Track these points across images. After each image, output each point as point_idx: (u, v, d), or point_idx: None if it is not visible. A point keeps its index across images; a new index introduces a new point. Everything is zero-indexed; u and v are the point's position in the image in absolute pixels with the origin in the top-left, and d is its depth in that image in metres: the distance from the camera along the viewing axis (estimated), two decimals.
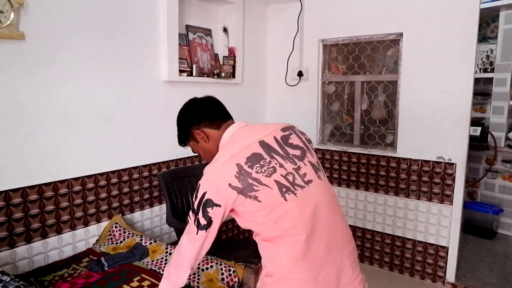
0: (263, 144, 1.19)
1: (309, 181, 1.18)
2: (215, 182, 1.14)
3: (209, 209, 1.15)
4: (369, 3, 2.85)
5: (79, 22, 2.01)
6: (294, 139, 1.26)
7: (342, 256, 1.17)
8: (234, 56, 2.99)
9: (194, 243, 1.20)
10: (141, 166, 2.40)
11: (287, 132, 1.27)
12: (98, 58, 2.12)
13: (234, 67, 2.99)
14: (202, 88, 2.76)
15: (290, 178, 1.15)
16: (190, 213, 1.21)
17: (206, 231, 1.18)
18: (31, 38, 1.82)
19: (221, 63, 3.00)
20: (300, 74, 3.21)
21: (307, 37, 3.20)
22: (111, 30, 2.16)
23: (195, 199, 1.18)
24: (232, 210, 1.18)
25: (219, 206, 1.14)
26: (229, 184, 1.12)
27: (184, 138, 1.42)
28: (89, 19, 2.05)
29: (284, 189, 1.13)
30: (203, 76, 2.76)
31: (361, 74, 3.09)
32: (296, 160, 1.20)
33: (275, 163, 1.15)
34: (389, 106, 3.03)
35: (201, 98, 1.44)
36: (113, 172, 2.24)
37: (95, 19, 2.08)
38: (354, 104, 3.15)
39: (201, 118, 1.36)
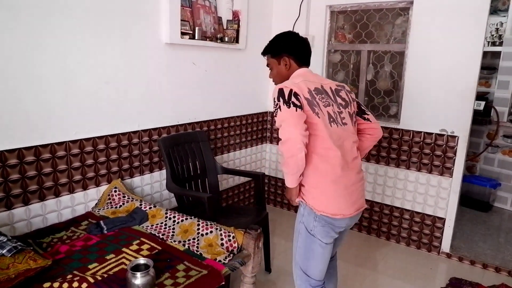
0: (323, 87, 1.63)
1: (345, 124, 1.62)
2: (295, 87, 1.52)
3: (297, 98, 1.50)
4: None
5: None
6: (342, 94, 1.69)
7: (355, 176, 1.63)
8: (238, 20, 2.89)
9: (296, 120, 1.46)
10: (141, 130, 2.36)
11: (340, 87, 1.71)
12: (96, 15, 2.02)
13: (238, 31, 2.90)
14: (204, 52, 2.69)
15: (334, 116, 1.58)
16: (280, 106, 1.49)
17: (302, 110, 1.49)
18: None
19: (225, 27, 2.90)
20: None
21: (314, 3, 3.08)
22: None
23: (281, 98, 1.49)
24: None
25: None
26: (303, 94, 1.52)
27: (271, 53, 1.76)
28: None
29: (331, 119, 1.57)
30: (206, 40, 2.67)
31: (368, 43, 3.00)
32: (341, 108, 1.63)
33: (328, 101, 1.59)
34: (394, 77, 2.96)
35: (302, 37, 1.77)
36: (112, 135, 2.19)
37: None
38: (360, 74, 3.08)
39: (295, 53, 1.72)
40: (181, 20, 2.43)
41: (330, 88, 1.66)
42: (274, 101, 1.54)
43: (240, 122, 3.21)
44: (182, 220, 1.91)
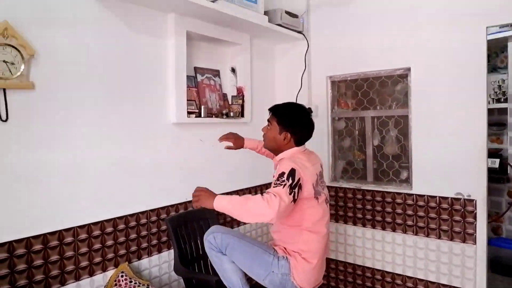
0: (319, 171, 1.96)
1: (327, 202, 1.96)
2: (306, 174, 1.76)
3: (299, 189, 1.73)
4: (375, 39, 2.85)
5: (89, 69, 2.04)
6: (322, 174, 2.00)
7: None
8: (243, 95, 3.00)
9: (284, 208, 1.61)
10: (149, 210, 2.35)
11: (320, 165, 2.01)
12: (107, 103, 2.12)
13: (242, 106, 2.99)
14: (210, 128, 2.76)
15: (325, 196, 1.95)
16: (281, 185, 1.67)
17: (293, 200, 1.67)
18: (41, 88, 1.84)
19: (230, 102, 3.00)
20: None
21: (315, 74, 3.20)
22: (119, 75, 2.19)
23: (291, 179, 1.68)
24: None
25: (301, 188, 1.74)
26: (313, 182, 1.81)
27: (278, 118, 1.93)
28: (98, 66, 2.08)
29: (326, 201, 1.92)
30: (212, 117, 2.76)
31: (371, 109, 3.05)
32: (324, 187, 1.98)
33: (323, 184, 1.96)
34: (401, 141, 2.96)
35: (311, 122, 2.02)
36: (120, 218, 2.19)
37: (104, 65, 2.11)
38: (366, 140, 3.09)
39: (299, 136, 1.94)
40: (187, 100, 2.54)
41: (321, 166, 1.99)
42: (282, 176, 1.69)
43: (250, 194, 3.19)
44: None
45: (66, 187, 1.95)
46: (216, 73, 2.94)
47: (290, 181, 1.66)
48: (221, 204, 1.65)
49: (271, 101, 3.36)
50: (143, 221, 2.31)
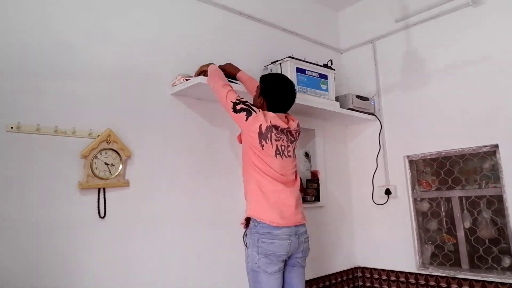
0: (282, 129, 1.98)
1: (289, 156, 2.02)
2: (260, 116, 1.92)
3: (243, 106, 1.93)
4: (454, 115, 2.76)
5: (177, 165, 2.21)
6: (295, 134, 2.08)
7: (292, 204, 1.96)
8: (318, 179, 2.99)
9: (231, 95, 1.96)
10: None
11: (297, 128, 2.10)
12: (192, 195, 2.25)
13: (318, 190, 2.97)
14: None
15: (283, 148, 1.98)
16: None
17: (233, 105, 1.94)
18: (135, 185, 2.02)
19: (305, 187, 3.00)
20: (387, 192, 3.06)
21: (390, 154, 3.13)
22: (203, 166, 2.33)
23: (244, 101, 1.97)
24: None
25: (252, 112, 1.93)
26: (260, 125, 1.90)
27: (259, 86, 2.09)
28: (185, 162, 2.25)
29: (277, 152, 1.95)
30: None
31: (457, 189, 2.84)
32: (289, 143, 2.03)
33: (280, 137, 1.96)
34: (498, 224, 2.67)
35: (286, 93, 2.06)
36: None
37: (190, 159, 2.28)
38: (455, 222, 2.83)
39: (270, 101, 2.03)
40: None
41: (292, 133, 2.04)
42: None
43: (330, 281, 3.01)
44: None
45: (153, 278, 2.01)
46: None
47: (243, 100, 1.95)
48: (210, 69, 2.12)
49: (346, 183, 3.32)
50: None
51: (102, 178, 1.90)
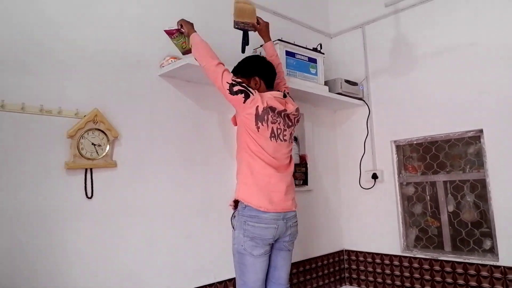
0: (279, 112, 1.95)
1: (285, 140, 1.99)
2: (257, 97, 1.88)
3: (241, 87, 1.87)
4: (441, 101, 2.80)
5: (163, 146, 2.20)
6: (293, 119, 2.05)
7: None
8: (306, 163, 3.01)
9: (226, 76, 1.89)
10: (217, 282, 2.34)
11: (296, 113, 2.06)
12: (180, 180, 2.25)
13: (306, 174, 2.99)
14: None
15: (278, 132, 1.95)
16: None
17: (229, 87, 1.87)
18: (122, 166, 2.01)
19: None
20: (374, 176, 3.10)
21: (378, 139, 3.16)
22: (190, 149, 2.32)
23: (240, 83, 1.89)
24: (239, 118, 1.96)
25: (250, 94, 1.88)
26: (257, 107, 1.86)
27: (241, 73, 2.01)
28: (172, 142, 2.24)
29: (272, 134, 1.92)
30: None
31: (442, 173, 2.90)
32: (286, 127, 1.99)
33: (276, 120, 1.93)
34: (480, 207, 2.74)
35: (269, 62, 2.10)
36: None
37: (177, 140, 2.27)
38: (439, 206, 2.90)
39: (265, 76, 2.01)
40: None
41: (289, 116, 2.01)
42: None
43: (316, 264, 3.06)
44: None
45: (139, 261, 2.02)
46: None
47: (239, 80, 1.89)
48: (194, 40, 1.94)
49: (334, 167, 3.35)
50: None
51: (89, 159, 1.88)
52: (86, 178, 1.88)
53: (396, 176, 3.07)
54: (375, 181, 3.11)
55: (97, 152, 1.91)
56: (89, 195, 1.88)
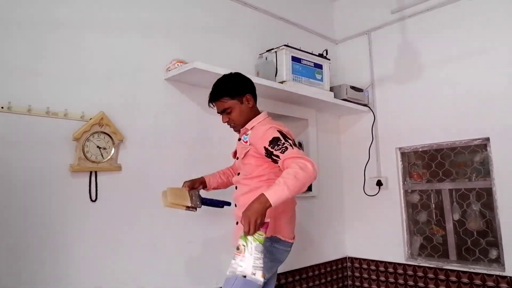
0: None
1: None
2: (285, 128, 1.71)
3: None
4: (447, 108, 2.78)
5: (169, 150, 2.20)
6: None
7: None
8: None
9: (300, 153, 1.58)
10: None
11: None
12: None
13: None
14: None
15: None
16: (287, 142, 1.60)
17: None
18: (126, 169, 2.00)
19: None
20: (379, 183, 3.08)
21: (383, 146, 3.14)
22: (195, 151, 2.32)
23: (283, 139, 1.61)
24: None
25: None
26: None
27: (232, 94, 1.76)
28: (178, 147, 2.24)
29: None
30: None
31: (448, 181, 2.87)
32: None
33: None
34: (486, 216, 2.71)
35: (246, 78, 1.87)
36: None
37: (183, 146, 2.27)
38: (444, 214, 2.87)
39: (250, 88, 1.82)
40: None
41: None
42: (278, 143, 1.60)
43: (319, 271, 3.04)
44: None
45: (143, 266, 2.01)
46: None
47: (288, 140, 1.61)
48: (278, 200, 1.44)
49: (338, 174, 3.34)
50: None
51: (94, 162, 1.88)
52: (91, 181, 1.88)
53: (401, 183, 3.05)
54: (379, 188, 3.09)
55: (102, 155, 1.91)
56: (93, 198, 1.88)
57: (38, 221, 1.71)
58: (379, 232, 3.11)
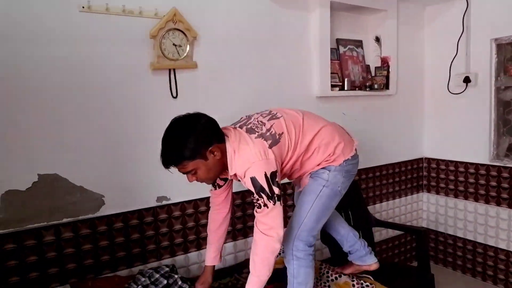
0: (254, 117, 1.65)
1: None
2: (265, 160, 1.43)
3: (277, 179, 1.43)
4: None
5: (240, 47, 2.17)
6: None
7: None
8: (388, 66, 2.81)
9: (279, 212, 1.43)
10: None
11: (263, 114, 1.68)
12: (256, 78, 2.25)
13: (387, 77, 2.81)
14: (353, 101, 2.69)
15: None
16: (263, 198, 1.41)
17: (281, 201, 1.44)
18: (201, 67, 2.04)
19: (373, 74, 2.85)
20: (466, 80, 2.81)
21: (475, 38, 2.79)
22: (266, 50, 2.27)
23: (263, 186, 1.39)
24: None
25: (277, 170, 1.44)
26: (270, 149, 1.46)
27: (190, 157, 1.42)
28: (248, 43, 2.20)
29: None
30: (355, 89, 2.67)
31: None
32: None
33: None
34: None
35: (195, 116, 1.51)
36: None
37: (252, 41, 2.22)
38: None
39: (212, 136, 1.46)
40: (330, 73, 2.50)
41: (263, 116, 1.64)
42: (263, 192, 1.40)
43: (393, 170, 3.02)
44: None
45: None
46: (359, 44, 2.81)
47: (273, 188, 1.41)
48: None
49: (419, 71, 3.11)
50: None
51: (171, 59, 1.93)
52: (170, 78, 1.96)
53: (493, 79, 2.74)
54: (466, 85, 2.82)
55: (178, 53, 1.95)
56: (174, 95, 1.97)
57: (126, 116, 1.87)
58: (461, 132, 2.93)
